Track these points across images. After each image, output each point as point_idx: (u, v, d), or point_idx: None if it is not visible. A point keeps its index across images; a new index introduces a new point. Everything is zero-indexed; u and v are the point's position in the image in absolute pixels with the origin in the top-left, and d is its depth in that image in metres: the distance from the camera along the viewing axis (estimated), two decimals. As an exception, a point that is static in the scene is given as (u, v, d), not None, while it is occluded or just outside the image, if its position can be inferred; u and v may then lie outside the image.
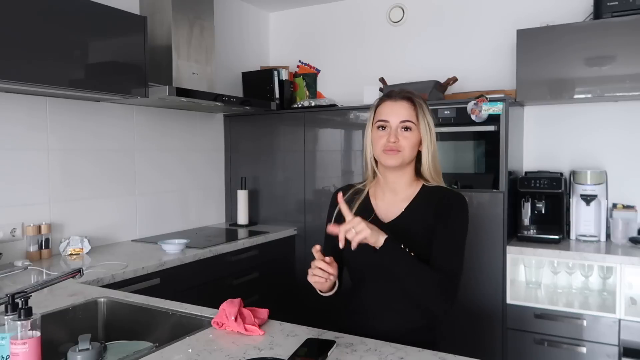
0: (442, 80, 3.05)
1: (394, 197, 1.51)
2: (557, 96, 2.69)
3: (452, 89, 3.12)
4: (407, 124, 1.44)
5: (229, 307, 1.38)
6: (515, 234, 2.78)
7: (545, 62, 2.68)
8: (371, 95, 3.16)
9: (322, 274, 1.35)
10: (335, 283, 1.47)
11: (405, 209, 1.48)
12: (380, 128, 1.46)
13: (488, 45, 3.18)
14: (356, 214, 1.46)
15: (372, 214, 1.50)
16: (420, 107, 1.46)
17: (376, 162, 1.51)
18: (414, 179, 1.51)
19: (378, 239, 1.31)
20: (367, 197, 1.55)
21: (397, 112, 1.45)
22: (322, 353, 1.19)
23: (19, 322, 1.07)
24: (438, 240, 1.42)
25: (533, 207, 2.80)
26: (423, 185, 1.51)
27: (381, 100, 1.50)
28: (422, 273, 1.35)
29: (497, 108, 2.63)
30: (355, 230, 1.29)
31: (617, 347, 2.36)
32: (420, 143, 1.46)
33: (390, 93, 1.50)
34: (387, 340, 1.30)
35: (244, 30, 3.73)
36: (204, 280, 2.53)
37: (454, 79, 3.03)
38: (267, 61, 3.95)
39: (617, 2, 2.53)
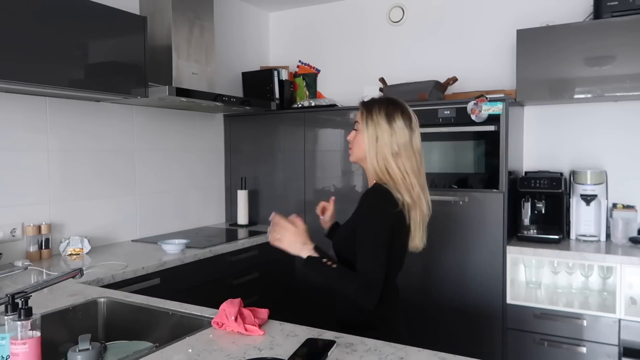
0: (442, 80, 3.05)
1: None
2: (557, 96, 2.69)
3: (452, 89, 3.12)
4: (355, 124, 1.62)
5: (229, 307, 1.38)
6: (515, 234, 2.78)
7: (545, 62, 2.68)
8: (371, 95, 3.15)
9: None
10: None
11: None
12: None
13: (488, 45, 3.18)
14: None
15: None
16: (362, 111, 1.59)
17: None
18: (375, 177, 1.56)
19: (300, 253, 1.48)
20: None
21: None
22: (322, 353, 1.19)
23: (19, 322, 1.07)
24: (357, 244, 1.48)
25: (533, 207, 2.80)
26: (375, 182, 1.56)
27: None
28: (340, 283, 1.47)
29: (497, 108, 2.63)
30: (277, 235, 1.52)
31: (617, 347, 2.36)
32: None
33: None
34: (343, 323, 1.52)
35: (244, 30, 3.73)
36: (204, 280, 2.53)
37: (454, 79, 3.03)
38: (267, 61, 3.95)
39: (617, 2, 2.53)
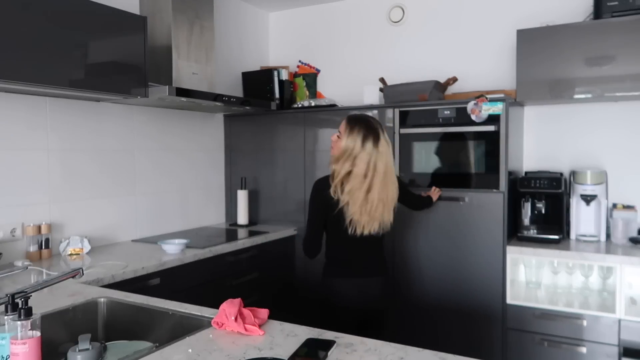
0: (442, 80, 3.05)
1: None
2: (557, 96, 2.69)
3: (452, 89, 3.12)
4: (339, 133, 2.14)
5: (229, 307, 1.38)
6: (515, 234, 2.78)
7: (545, 62, 2.68)
8: (371, 95, 3.16)
9: None
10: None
11: None
12: None
13: (488, 45, 3.18)
14: None
15: None
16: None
17: None
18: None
19: None
20: None
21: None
22: (322, 353, 1.19)
23: (19, 322, 1.07)
24: None
25: (533, 207, 2.80)
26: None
27: None
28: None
29: (497, 108, 2.63)
30: None
31: (617, 347, 2.36)
32: None
33: None
34: None
35: (244, 30, 3.73)
36: (204, 280, 2.53)
37: (454, 79, 3.03)
38: (267, 61, 3.95)
39: (617, 2, 2.53)
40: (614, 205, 2.78)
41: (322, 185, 2.09)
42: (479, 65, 3.19)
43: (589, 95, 2.62)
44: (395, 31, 3.49)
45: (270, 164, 3.43)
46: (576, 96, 2.64)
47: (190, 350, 1.23)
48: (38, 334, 1.09)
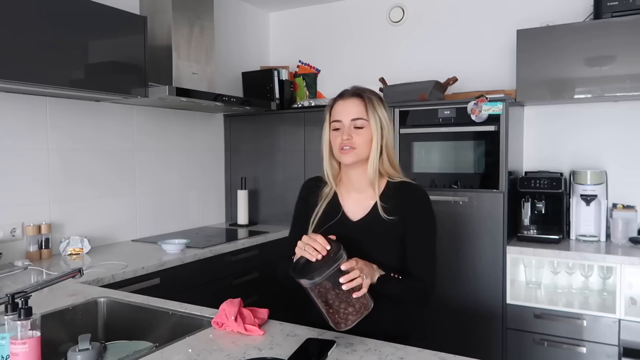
0: (442, 80, 3.05)
1: (358, 195, 1.53)
2: (557, 96, 2.69)
3: (452, 89, 3.12)
4: (358, 122, 1.46)
5: (229, 307, 1.38)
6: (515, 234, 2.78)
7: (545, 62, 2.68)
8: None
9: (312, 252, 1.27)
10: None
11: (372, 208, 1.50)
12: (335, 130, 1.49)
13: (488, 45, 3.18)
14: (325, 213, 1.52)
15: (340, 213, 1.53)
16: (370, 102, 1.47)
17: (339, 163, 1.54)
18: (378, 175, 1.50)
19: (373, 277, 1.33)
20: (335, 195, 1.57)
21: (348, 110, 1.47)
22: (322, 353, 1.19)
23: (19, 322, 1.07)
24: (413, 247, 1.47)
25: (533, 207, 2.80)
26: (387, 181, 1.53)
27: (334, 101, 1.52)
28: (406, 289, 1.43)
29: (497, 108, 2.63)
30: (362, 277, 1.25)
31: (617, 347, 2.36)
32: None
33: (342, 92, 1.52)
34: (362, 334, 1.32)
35: (244, 30, 3.73)
36: (204, 280, 2.53)
37: (454, 79, 3.03)
38: (267, 61, 3.95)
39: (617, 2, 2.53)
40: (614, 205, 2.78)
41: None
42: (479, 65, 3.19)
43: (589, 95, 2.62)
44: (395, 31, 3.49)
45: (270, 164, 3.43)
46: (576, 96, 2.64)
47: (190, 350, 1.23)
48: (38, 334, 1.09)
